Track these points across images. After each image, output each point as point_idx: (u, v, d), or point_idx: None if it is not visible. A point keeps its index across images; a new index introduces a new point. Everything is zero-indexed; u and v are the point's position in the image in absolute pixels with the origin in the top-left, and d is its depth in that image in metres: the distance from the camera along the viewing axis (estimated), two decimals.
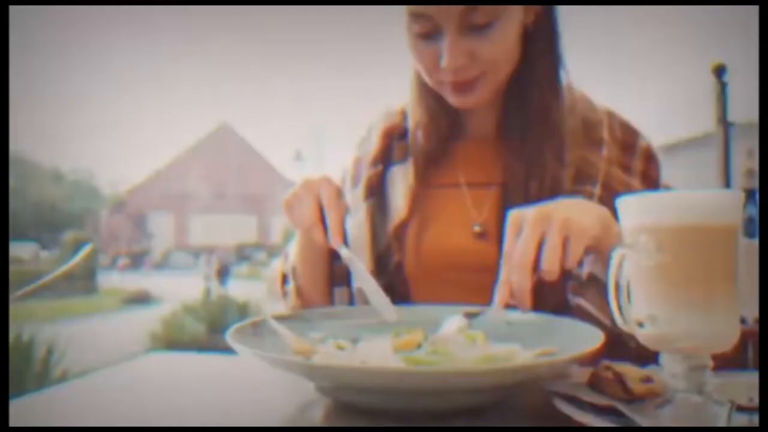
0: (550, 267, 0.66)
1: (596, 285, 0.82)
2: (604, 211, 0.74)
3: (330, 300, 1.03)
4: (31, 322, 4.43)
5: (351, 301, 1.02)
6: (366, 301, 0.83)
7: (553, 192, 0.88)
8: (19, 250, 23.16)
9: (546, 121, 0.92)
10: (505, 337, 0.73)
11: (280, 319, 0.74)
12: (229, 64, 79.18)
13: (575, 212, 0.69)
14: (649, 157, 0.95)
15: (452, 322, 0.75)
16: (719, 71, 3.59)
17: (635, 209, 0.55)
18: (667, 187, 0.95)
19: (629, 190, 0.91)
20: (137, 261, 29.42)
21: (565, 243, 0.67)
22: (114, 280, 19.16)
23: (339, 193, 0.86)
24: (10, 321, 4.08)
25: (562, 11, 0.94)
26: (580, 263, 0.83)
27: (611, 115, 0.98)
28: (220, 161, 39.08)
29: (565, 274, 0.84)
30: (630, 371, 0.59)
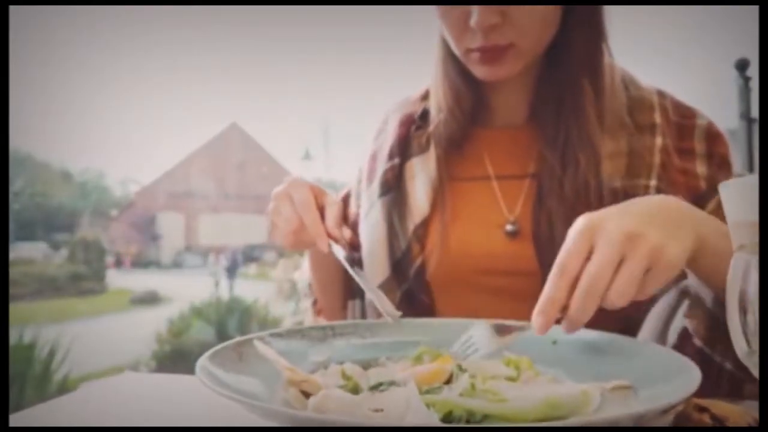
0: (620, 301, 0.52)
1: (701, 307, 0.68)
2: (700, 218, 0.60)
3: (346, 315, 0.92)
4: (35, 324, 4.30)
5: (364, 315, 0.90)
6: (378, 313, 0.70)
7: (588, 184, 0.76)
8: (30, 251, 23.20)
9: (581, 106, 0.79)
10: (553, 361, 0.59)
11: (276, 336, 0.60)
12: (238, 64, 79.19)
13: (668, 237, 0.54)
14: (713, 135, 0.80)
15: (480, 336, 0.61)
16: (742, 66, 3.45)
17: (749, 197, 0.40)
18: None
19: (692, 179, 0.78)
20: (118, 260, 30.19)
21: (646, 274, 0.53)
22: (122, 280, 19.16)
23: (314, 191, 0.79)
24: (12, 322, 3.98)
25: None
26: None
27: (662, 95, 0.84)
28: (230, 161, 39.02)
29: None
30: (732, 412, 0.45)
